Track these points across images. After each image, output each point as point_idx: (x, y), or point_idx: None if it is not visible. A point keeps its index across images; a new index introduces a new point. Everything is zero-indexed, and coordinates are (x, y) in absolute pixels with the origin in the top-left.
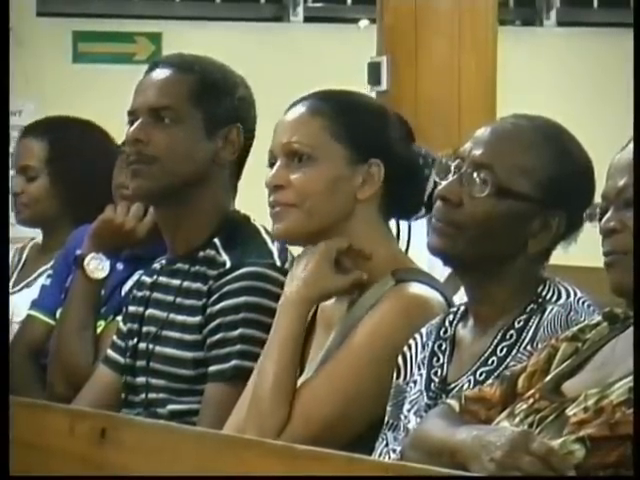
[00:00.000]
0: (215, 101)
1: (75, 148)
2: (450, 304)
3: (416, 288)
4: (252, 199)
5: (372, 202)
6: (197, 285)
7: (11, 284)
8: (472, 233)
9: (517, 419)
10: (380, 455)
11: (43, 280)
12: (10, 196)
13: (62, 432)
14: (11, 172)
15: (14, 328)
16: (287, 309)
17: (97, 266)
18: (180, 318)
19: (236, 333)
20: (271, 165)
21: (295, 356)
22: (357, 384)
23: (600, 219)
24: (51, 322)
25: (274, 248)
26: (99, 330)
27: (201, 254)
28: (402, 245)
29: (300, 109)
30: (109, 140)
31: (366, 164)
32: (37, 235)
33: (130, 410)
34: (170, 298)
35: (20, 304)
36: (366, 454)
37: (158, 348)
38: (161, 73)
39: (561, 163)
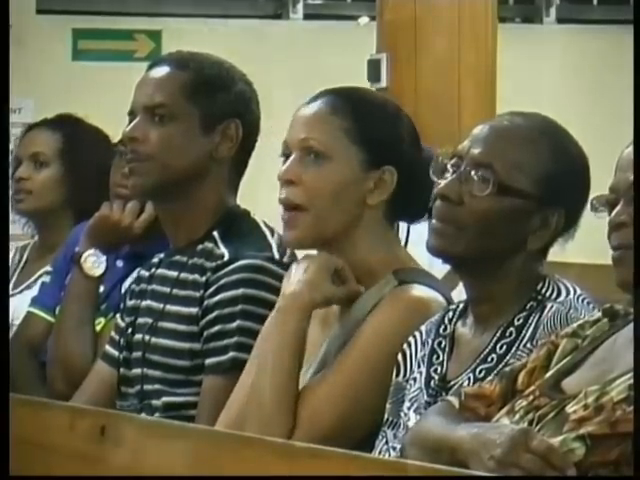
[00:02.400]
0: (210, 96)
1: (88, 145)
2: (450, 303)
3: (418, 290)
4: (252, 195)
5: (381, 207)
6: (194, 276)
7: (11, 285)
8: (473, 232)
9: (517, 416)
10: (380, 453)
11: (43, 278)
12: (9, 195)
13: (62, 429)
14: (11, 170)
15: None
16: (285, 314)
17: (94, 263)
18: (176, 309)
19: (234, 325)
20: (284, 156)
21: (296, 362)
22: (362, 386)
23: (609, 212)
24: (51, 319)
25: (273, 241)
26: (99, 328)
27: (199, 247)
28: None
29: (320, 105)
30: (112, 145)
31: (379, 170)
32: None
33: (124, 402)
34: (167, 289)
35: (20, 306)
36: (368, 453)
37: (154, 339)
38: (157, 71)
39: (559, 160)
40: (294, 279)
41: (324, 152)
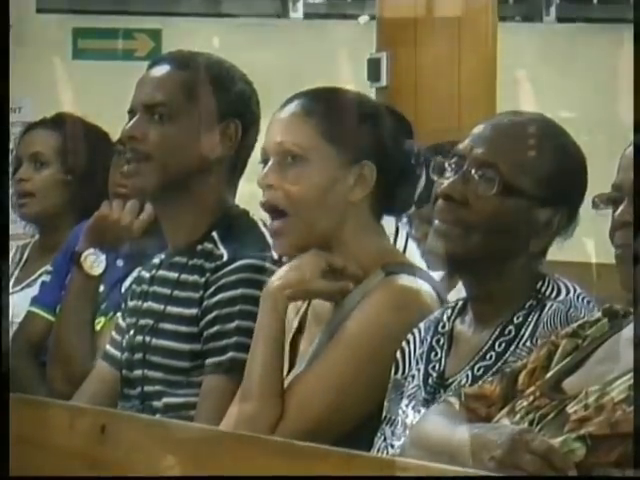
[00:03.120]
0: (210, 96)
1: (88, 144)
2: (440, 295)
3: (405, 280)
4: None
5: (364, 202)
6: (194, 277)
7: (11, 283)
8: (479, 232)
9: (517, 416)
10: (378, 450)
11: (43, 278)
12: (10, 194)
13: (62, 428)
14: (11, 169)
15: (14, 329)
16: (265, 303)
17: (94, 262)
18: (177, 310)
19: (233, 325)
20: (263, 162)
21: (279, 350)
22: (349, 376)
23: (614, 210)
24: (51, 318)
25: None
26: (99, 327)
27: (199, 247)
28: (399, 248)
29: (293, 108)
30: (112, 143)
31: (358, 165)
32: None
33: (126, 403)
34: (167, 291)
35: (20, 304)
36: (363, 446)
37: (155, 340)
38: (157, 70)
39: (560, 160)
40: (277, 274)
41: (301, 154)
